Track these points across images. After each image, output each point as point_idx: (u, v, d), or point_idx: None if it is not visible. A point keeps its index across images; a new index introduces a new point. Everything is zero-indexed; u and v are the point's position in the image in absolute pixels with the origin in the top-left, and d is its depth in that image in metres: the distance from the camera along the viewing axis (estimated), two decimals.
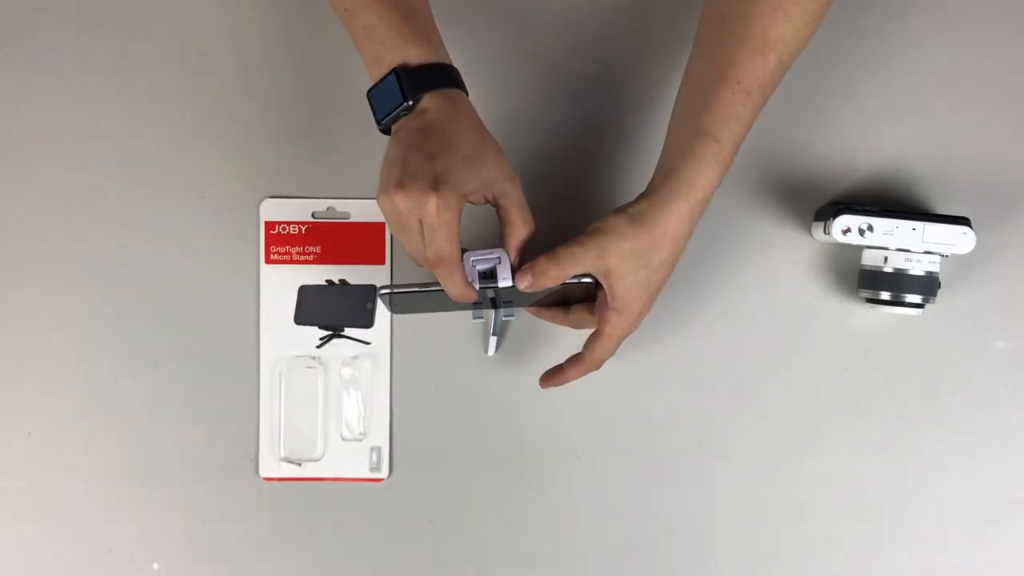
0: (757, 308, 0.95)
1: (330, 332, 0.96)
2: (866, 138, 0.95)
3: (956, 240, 0.90)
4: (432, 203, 0.74)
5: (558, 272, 0.80)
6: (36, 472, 0.96)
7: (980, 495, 0.95)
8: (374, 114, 0.80)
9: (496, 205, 0.79)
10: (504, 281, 0.80)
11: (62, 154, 0.96)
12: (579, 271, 0.80)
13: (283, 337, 0.95)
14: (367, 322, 0.95)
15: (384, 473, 0.96)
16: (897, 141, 0.95)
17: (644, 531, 0.96)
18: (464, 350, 0.96)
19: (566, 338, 0.93)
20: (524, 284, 0.80)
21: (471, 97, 0.81)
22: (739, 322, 0.95)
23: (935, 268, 0.90)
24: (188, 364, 0.96)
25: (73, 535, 0.96)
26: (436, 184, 0.75)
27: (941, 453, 0.95)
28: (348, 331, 0.96)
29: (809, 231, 0.95)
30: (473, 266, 0.80)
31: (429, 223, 0.75)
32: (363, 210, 0.95)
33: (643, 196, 0.81)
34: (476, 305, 0.85)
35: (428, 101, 0.78)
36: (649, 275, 0.80)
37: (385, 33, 0.79)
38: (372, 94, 0.80)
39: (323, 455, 0.95)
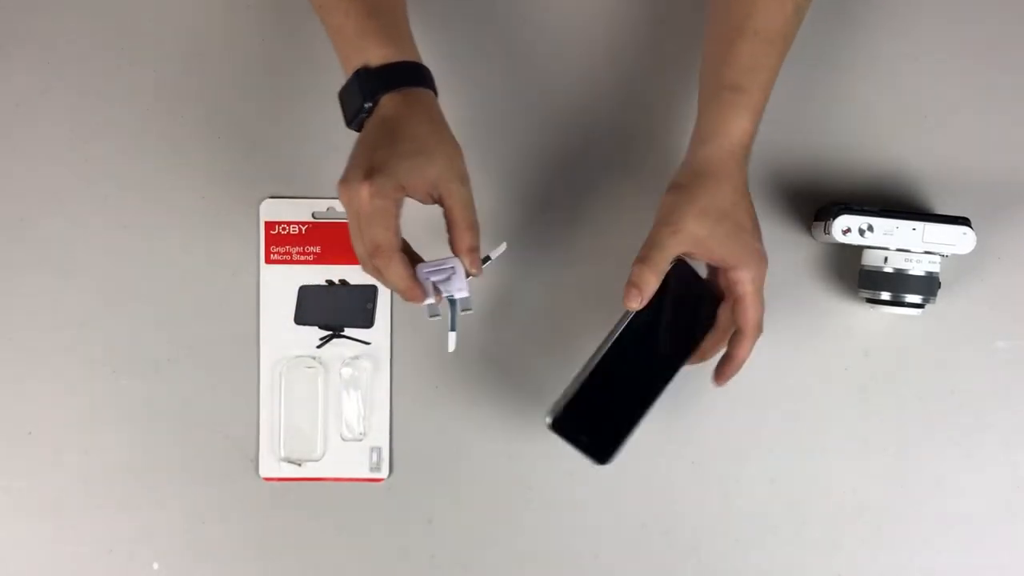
0: None
1: (330, 332, 0.96)
2: (866, 138, 0.95)
3: (956, 240, 0.89)
4: (364, 191, 0.74)
5: (654, 271, 0.80)
6: (36, 472, 0.96)
7: (980, 495, 0.95)
8: (343, 115, 0.81)
9: (442, 206, 0.78)
10: (459, 293, 0.79)
11: (62, 154, 0.96)
12: (669, 257, 0.80)
13: (283, 337, 0.95)
14: (367, 322, 0.95)
15: (384, 473, 0.96)
16: (897, 141, 0.95)
17: (644, 531, 0.96)
18: (464, 350, 0.95)
19: (567, 339, 0.93)
20: (635, 304, 0.80)
21: (450, 96, 0.82)
22: None
23: (935, 268, 0.90)
24: (188, 364, 0.96)
25: (73, 535, 0.96)
26: (370, 172, 0.74)
27: (941, 453, 0.95)
28: (348, 331, 0.96)
29: (809, 231, 0.95)
30: (427, 278, 0.79)
31: (363, 212, 0.75)
32: None
33: (683, 165, 0.83)
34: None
35: (386, 100, 0.78)
36: (733, 220, 0.80)
37: (351, 32, 0.79)
38: (341, 95, 0.81)
39: (323, 455, 0.95)
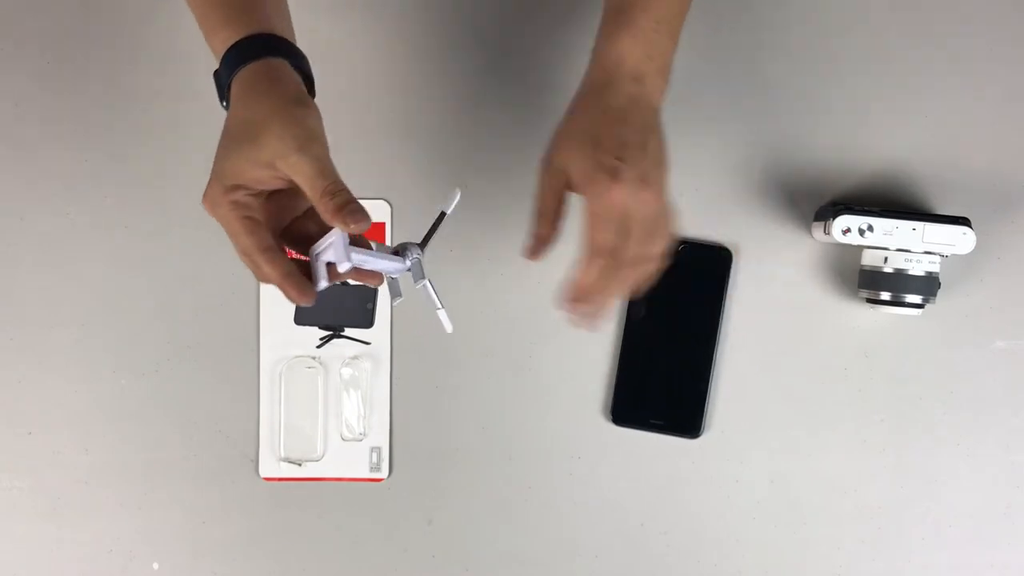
0: (757, 308, 0.95)
1: (330, 332, 0.96)
2: (866, 138, 0.95)
3: (956, 240, 0.89)
4: (206, 204, 0.71)
5: (543, 210, 0.74)
6: (36, 472, 0.96)
7: (980, 495, 0.95)
8: None
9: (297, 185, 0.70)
10: (342, 266, 0.70)
11: (62, 154, 0.96)
12: (550, 195, 0.74)
13: (283, 337, 0.95)
14: (367, 322, 0.95)
15: (384, 473, 0.96)
16: (897, 141, 0.95)
17: (644, 531, 0.96)
18: (464, 350, 0.95)
19: (568, 334, 0.93)
20: (533, 256, 0.74)
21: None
22: (739, 322, 0.95)
23: (935, 268, 0.90)
24: (188, 364, 0.96)
25: (73, 535, 0.96)
26: (208, 183, 0.71)
27: (941, 453, 0.95)
28: (348, 331, 0.96)
29: (809, 231, 0.95)
30: (318, 260, 0.72)
31: (219, 222, 0.71)
32: None
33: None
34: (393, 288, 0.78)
35: (233, 88, 0.72)
36: (589, 138, 0.71)
37: (204, 33, 0.76)
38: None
39: (323, 455, 0.95)
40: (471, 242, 0.94)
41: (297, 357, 0.95)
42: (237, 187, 0.70)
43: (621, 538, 0.96)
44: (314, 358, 0.96)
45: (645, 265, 0.73)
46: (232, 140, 0.71)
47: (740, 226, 0.95)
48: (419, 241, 0.76)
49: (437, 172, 0.95)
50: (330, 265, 0.72)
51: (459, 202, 0.76)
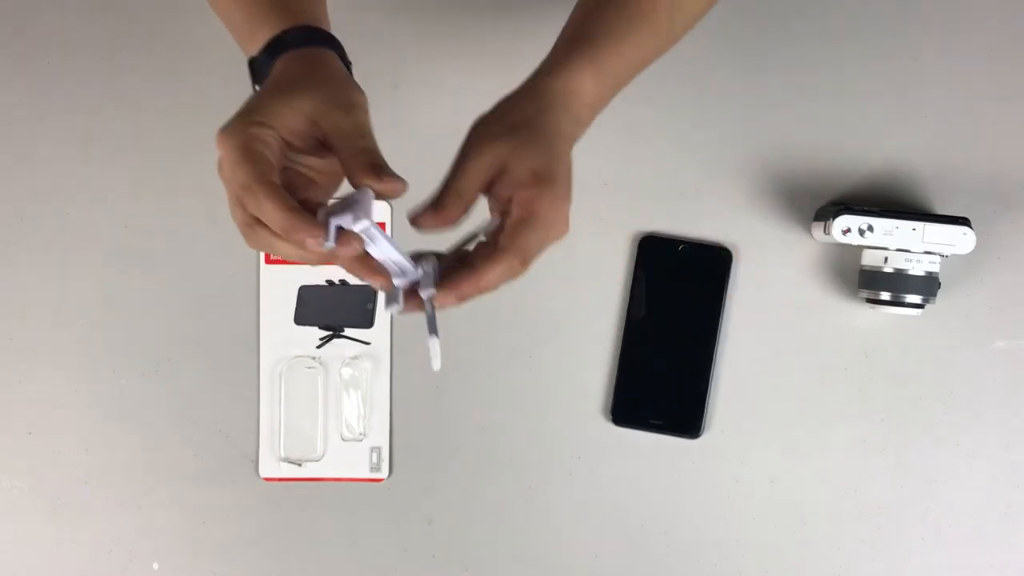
0: (757, 308, 0.95)
1: (330, 332, 0.96)
2: (866, 138, 0.95)
3: (956, 240, 0.90)
4: (220, 136, 0.63)
5: (461, 191, 0.67)
6: (36, 472, 0.96)
7: (980, 495, 0.95)
8: None
9: (330, 142, 0.65)
10: (359, 224, 0.62)
11: (62, 154, 0.96)
12: (474, 177, 0.68)
13: (283, 337, 0.95)
14: (367, 322, 0.95)
15: (384, 473, 0.96)
16: (897, 141, 0.95)
17: (644, 531, 0.96)
18: (464, 350, 0.95)
19: (569, 333, 0.93)
20: (423, 225, 0.67)
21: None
22: (739, 322, 0.95)
23: (935, 268, 0.90)
24: (188, 364, 0.96)
25: (73, 535, 0.96)
26: (231, 119, 0.64)
27: (941, 453, 0.95)
28: (348, 331, 0.96)
29: (809, 231, 0.95)
30: (328, 221, 0.63)
31: (225, 161, 0.63)
32: None
33: (504, 99, 0.72)
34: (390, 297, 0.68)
35: (276, 65, 0.69)
36: (547, 141, 0.69)
37: (242, 22, 0.73)
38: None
39: (323, 455, 0.95)
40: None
41: (297, 357, 0.96)
42: (263, 124, 0.64)
43: (621, 538, 0.96)
44: (314, 358, 0.96)
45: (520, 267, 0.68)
46: (274, 88, 0.66)
47: (740, 226, 0.95)
48: (436, 252, 0.69)
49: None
50: (340, 231, 0.63)
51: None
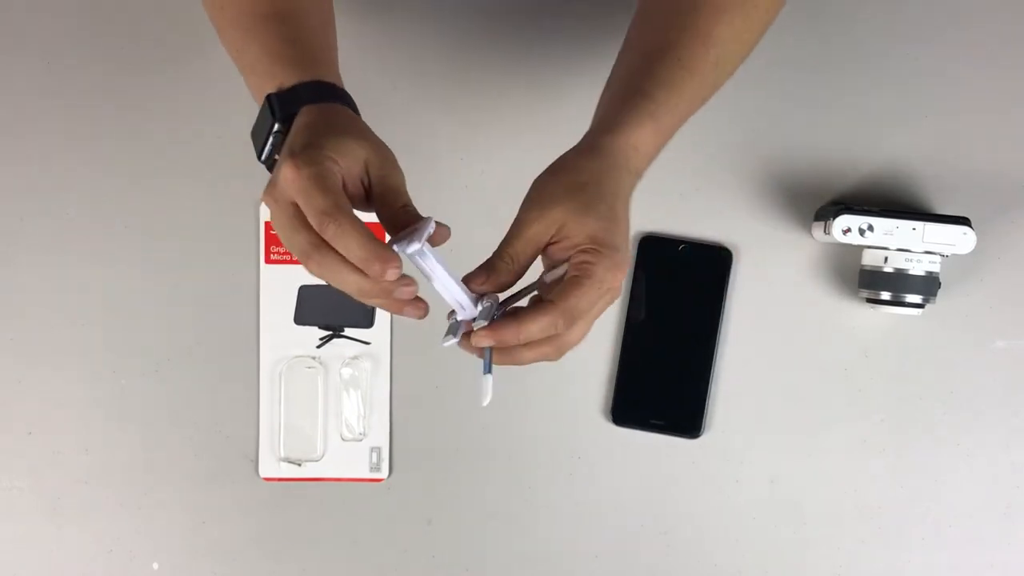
0: (757, 308, 0.95)
1: (330, 332, 0.96)
2: (866, 138, 0.95)
3: (956, 240, 0.90)
4: (290, 169, 0.64)
5: (515, 256, 0.68)
6: (36, 472, 0.96)
7: (980, 495, 0.95)
8: (255, 151, 0.73)
9: (372, 190, 0.67)
10: (411, 246, 0.64)
11: (62, 154, 0.96)
12: (530, 238, 0.68)
13: (283, 337, 0.95)
14: (367, 322, 0.95)
15: (384, 473, 0.96)
16: (897, 141, 0.95)
17: (644, 531, 0.96)
18: (464, 350, 0.95)
19: None
20: (478, 287, 0.68)
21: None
22: (739, 322, 0.95)
23: (935, 268, 0.90)
24: (188, 364, 0.96)
25: (73, 535, 0.96)
26: (292, 155, 0.65)
27: (941, 453, 0.95)
28: (348, 331, 0.96)
29: (809, 231, 0.95)
30: (402, 250, 0.65)
31: (297, 187, 0.64)
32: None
33: (569, 151, 0.73)
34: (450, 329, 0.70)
35: (303, 111, 0.70)
36: (607, 205, 0.69)
37: (266, 63, 0.73)
38: (252, 132, 0.73)
39: (323, 455, 0.95)
40: (471, 241, 0.94)
41: (297, 357, 0.96)
42: (333, 160, 0.65)
43: (621, 538, 0.96)
44: (314, 358, 0.96)
45: (556, 352, 0.69)
46: (331, 127, 0.67)
47: (740, 226, 0.95)
48: (498, 294, 0.69)
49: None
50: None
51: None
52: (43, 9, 0.96)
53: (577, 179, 0.70)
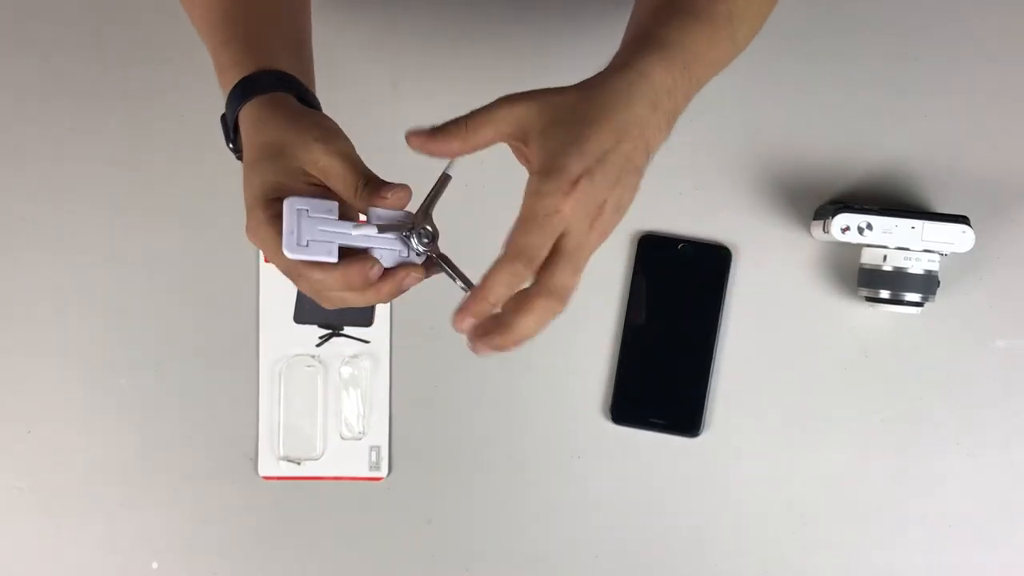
0: (757, 307, 0.95)
1: (330, 331, 0.96)
2: (865, 137, 0.96)
3: (955, 239, 0.90)
4: (249, 236, 0.67)
5: (472, 124, 0.64)
6: (36, 472, 0.96)
7: (980, 494, 0.95)
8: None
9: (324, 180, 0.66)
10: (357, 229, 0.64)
11: (62, 154, 0.96)
12: (493, 119, 0.64)
13: (283, 336, 0.95)
14: (367, 321, 0.95)
15: (383, 472, 0.96)
16: (896, 140, 0.95)
17: (644, 531, 0.96)
18: (464, 349, 0.95)
19: (568, 331, 0.93)
20: (416, 144, 0.64)
21: None
22: (738, 321, 0.95)
23: (934, 267, 0.91)
24: (188, 364, 0.96)
25: (73, 535, 0.96)
26: (246, 215, 0.68)
27: (941, 452, 0.95)
28: (348, 330, 0.96)
29: (808, 230, 0.95)
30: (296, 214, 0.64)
31: (258, 245, 0.67)
32: None
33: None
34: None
35: (241, 132, 0.70)
36: (563, 118, 0.63)
37: (216, 69, 0.73)
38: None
39: (322, 454, 0.95)
40: (470, 237, 0.94)
41: (297, 356, 0.96)
42: (274, 201, 0.65)
43: (621, 538, 0.96)
44: (313, 357, 0.96)
45: (553, 300, 0.63)
46: (256, 163, 0.67)
47: (740, 226, 0.95)
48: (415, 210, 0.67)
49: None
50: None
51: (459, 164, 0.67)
52: (44, 8, 0.96)
53: (563, 94, 0.64)
